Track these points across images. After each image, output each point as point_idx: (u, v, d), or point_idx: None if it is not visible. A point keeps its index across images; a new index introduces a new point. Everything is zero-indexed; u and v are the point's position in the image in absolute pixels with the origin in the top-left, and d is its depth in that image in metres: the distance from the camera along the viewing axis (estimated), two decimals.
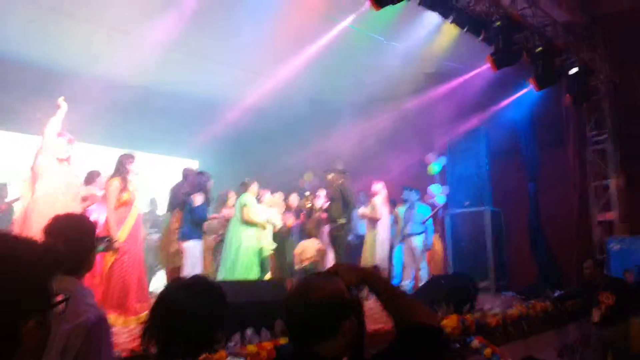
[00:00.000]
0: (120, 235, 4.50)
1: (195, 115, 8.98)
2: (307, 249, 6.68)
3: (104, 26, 6.62)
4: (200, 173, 5.78)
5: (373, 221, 7.09)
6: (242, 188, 6.43)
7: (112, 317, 4.33)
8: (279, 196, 7.22)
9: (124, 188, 4.67)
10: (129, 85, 7.83)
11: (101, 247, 2.22)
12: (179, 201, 5.83)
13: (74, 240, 1.88)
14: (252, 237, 6.18)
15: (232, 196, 6.77)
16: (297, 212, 7.52)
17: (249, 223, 6.16)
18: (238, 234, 6.13)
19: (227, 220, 6.66)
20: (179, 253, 5.60)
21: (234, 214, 6.37)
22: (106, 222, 4.52)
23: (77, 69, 7.48)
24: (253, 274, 6.04)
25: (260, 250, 6.29)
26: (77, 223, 2.00)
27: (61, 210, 3.88)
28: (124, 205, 4.66)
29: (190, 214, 5.46)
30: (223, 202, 7.02)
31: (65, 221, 2.00)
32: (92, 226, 2.06)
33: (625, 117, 7.83)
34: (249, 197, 6.30)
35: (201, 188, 5.46)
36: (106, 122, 5.42)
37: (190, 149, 9.41)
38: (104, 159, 5.16)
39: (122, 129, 4.46)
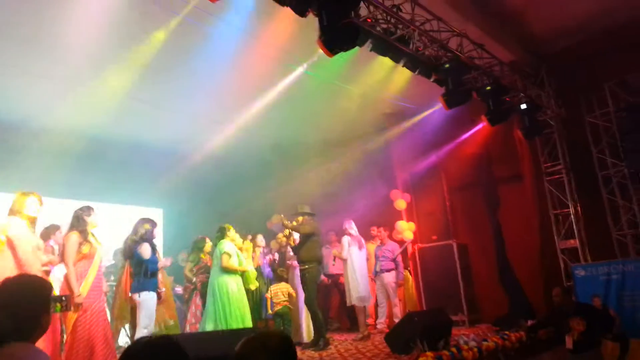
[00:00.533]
0: (82, 290, 4.36)
1: (157, 164, 8.90)
2: (279, 293, 6.62)
3: (53, 78, 6.54)
4: (144, 220, 5.46)
5: (344, 260, 7.12)
6: (220, 234, 6.32)
7: None
8: (247, 242, 7.14)
9: (83, 241, 4.55)
10: (85, 136, 7.71)
11: (57, 307, 2.10)
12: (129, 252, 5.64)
13: (25, 304, 1.79)
14: (236, 282, 6.04)
15: (208, 242, 6.66)
16: (265, 253, 7.46)
17: (229, 270, 6.03)
18: (223, 282, 5.95)
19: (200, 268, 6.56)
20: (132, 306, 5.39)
21: (213, 262, 6.23)
22: (65, 278, 4.37)
23: (29, 121, 7.37)
24: (247, 319, 5.88)
25: (246, 294, 6.16)
26: (28, 285, 1.91)
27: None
28: (85, 258, 4.53)
29: (139, 267, 5.23)
30: (199, 248, 6.87)
31: (16, 284, 1.91)
32: (45, 287, 1.96)
33: (576, 149, 8.19)
34: (227, 243, 6.18)
35: (146, 238, 5.26)
36: (63, 173, 5.29)
37: (154, 198, 9.27)
38: (61, 212, 4.97)
39: (80, 181, 4.38)
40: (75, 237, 4.51)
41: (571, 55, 8.09)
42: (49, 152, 7.23)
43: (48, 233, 5.51)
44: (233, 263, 6.05)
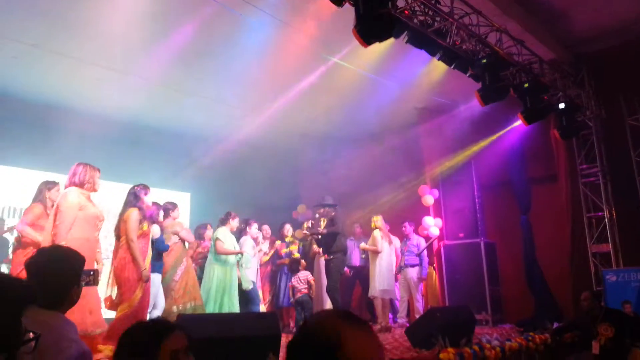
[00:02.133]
0: (147, 264, 4.56)
1: (187, 149, 9.06)
2: (300, 281, 6.69)
3: (91, 63, 6.70)
4: (154, 204, 5.58)
5: (374, 253, 7.10)
6: (223, 219, 6.43)
7: None
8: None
9: (142, 218, 4.67)
10: (119, 121, 7.91)
11: (83, 282, 2.16)
12: None
13: (55, 274, 1.85)
14: (221, 274, 6.12)
15: (209, 229, 6.76)
16: (290, 242, 7.53)
17: (221, 258, 6.14)
18: (212, 270, 6.11)
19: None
20: None
21: (210, 248, 6.38)
22: (129, 253, 4.52)
23: (66, 104, 7.60)
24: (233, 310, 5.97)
25: (232, 287, 6.21)
26: (60, 257, 1.97)
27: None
28: (143, 235, 4.65)
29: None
30: (200, 235, 6.98)
31: (48, 255, 1.97)
32: (77, 260, 2.03)
33: (614, 151, 7.94)
34: (222, 231, 6.29)
35: (154, 219, 5.30)
36: (96, 156, 5.45)
37: (182, 182, 9.45)
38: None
39: (111, 163, 4.50)
40: (136, 213, 4.60)
41: (614, 55, 7.82)
42: (85, 135, 7.45)
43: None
44: (227, 248, 6.16)
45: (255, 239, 6.99)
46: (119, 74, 6.92)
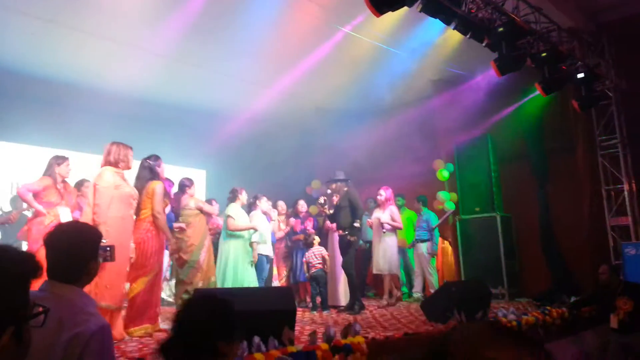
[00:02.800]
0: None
1: (201, 126, 9.05)
2: (314, 256, 6.71)
3: (105, 38, 6.65)
4: (166, 179, 5.60)
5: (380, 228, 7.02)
6: (231, 197, 6.44)
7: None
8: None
9: (165, 192, 4.74)
10: (132, 97, 7.89)
11: (101, 257, 2.17)
12: None
13: (73, 249, 1.86)
14: (239, 248, 6.16)
15: (215, 205, 6.76)
16: (304, 218, 7.53)
17: (234, 234, 6.16)
18: (226, 247, 6.15)
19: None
20: None
21: (222, 225, 6.37)
22: (156, 225, 4.57)
23: (79, 81, 7.57)
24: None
25: (249, 262, 6.26)
26: (77, 232, 1.97)
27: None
28: (165, 207, 4.75)
29: None
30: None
31: (66, 230, 1.98)
32: (95, 235, 2.03)
33: (634, 122, 7.75)
34: (233, 207, 6.29)
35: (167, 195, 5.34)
36: (109, 133, 5.44)
37: (197, 159, 9.46)
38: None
39: (125, 140, 4.50)
40: (161, 186, 4.64)
41: (635, 24, 7.56)
42: (97, 112, 7.45)
43: (80, 184, 5.68)
44: (239, 224, 6.18)
45: (266, 213, 6.99)
46: (131, 48, 6.86)
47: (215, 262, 6.00)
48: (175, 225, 5.82)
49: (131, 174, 4.66)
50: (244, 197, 6.50)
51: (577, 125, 7.96)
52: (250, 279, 6.10)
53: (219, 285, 5.75)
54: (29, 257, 1.11)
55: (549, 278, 7.76)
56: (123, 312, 4.31)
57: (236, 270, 6.05)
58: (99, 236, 2.06)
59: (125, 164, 4.40)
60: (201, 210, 5.68)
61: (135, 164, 4.74)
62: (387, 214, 6.92)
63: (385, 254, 6.80)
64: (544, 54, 6.51)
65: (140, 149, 4.74)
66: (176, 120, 9.07)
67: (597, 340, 5.81)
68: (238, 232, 6.20)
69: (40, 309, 0.97)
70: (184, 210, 5.65)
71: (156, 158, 4.80)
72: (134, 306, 4.33)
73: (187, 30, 6.23)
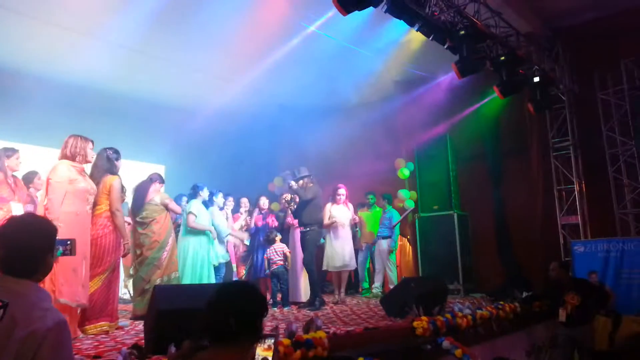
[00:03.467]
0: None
1: (161, 120, 8.85)
2: (275, 253, 6.68)
3: (59, 25, 6.41)
4: None
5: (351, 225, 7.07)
6: (192, 193, 6.36)
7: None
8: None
9: (122, 187, 4.61)
10: (89, 87, 7.64)
11: (60, 250, 2.10)
12: None
13: (27, 243, 1.79)
14: (197, 245, 6.07)
15: (184, 201, 6.67)
16: (266, 214, 7.48)
17: (193, 231, 6.09)
18: (185, 244, 6.05)
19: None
20: None
21: (182, 221, 6.30)
22: (114, 223, 4.44)
23: (31, 70, 7.27)
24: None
25: (209, 259, 6.18)
26: (32, 224, 1.91)
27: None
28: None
29: None
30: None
31: (20, 222, 1.91)
32: (50, 227, 1.97)
33: (585, 125, 8.11)
34: (194, 204, 6.22)
35: None
36: (63, 125, 5.24)
37: (156, 154, 9.25)
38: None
39: (81, 133, 4.35)
40: (119, 182, 4.49)
41: (588, 30, 7.93)
42: (51, 102, 7.14)
43: (29, 178, 5.43)
44: (199, 222, 6.11)
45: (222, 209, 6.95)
46: (87, 37, 6.63)
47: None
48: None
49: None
50: (205, 193, 6.42)
51: (531, 127, 8.27)
52: (209, 278, 6.02)
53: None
54: None
55: (502, 274, 8.05)
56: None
57: (195, 268, 5.96)
58: (55, 229, 2.00)
59: (83, 158, 4.25)
60: (166, 207, 5.54)
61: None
62: (351, 210, 6.99)
63: (351, 250, 6.89)
64: (502, 58, 6.74)
65: (97, 141, 4.59)
66: (135, 114, 8.83)
67: (547, 333, 6.08)
68: (197, 230, 6.12)
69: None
70: (148, 204, 5.46)
71: (117, 152, 4.66)
72: (90, 304, 4.21)
73: (149, 21, 6.08)
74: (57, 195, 3.97)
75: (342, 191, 6.89)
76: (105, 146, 4.67)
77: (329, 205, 6.83)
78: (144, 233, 5.34)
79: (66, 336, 1.73)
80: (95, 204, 4.38)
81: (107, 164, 4.53)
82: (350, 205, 7.04)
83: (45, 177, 4.16)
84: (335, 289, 7.09)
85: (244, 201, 7.79)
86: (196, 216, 6.12)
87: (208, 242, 6.24)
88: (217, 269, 6.45)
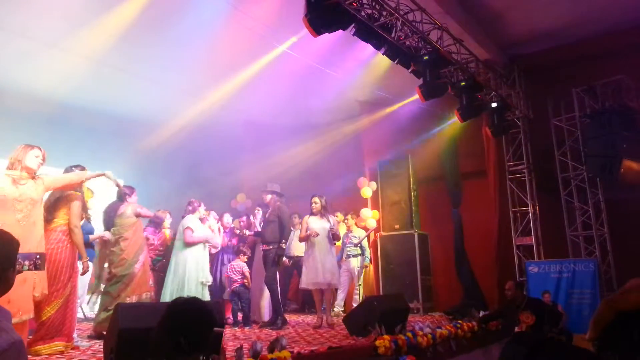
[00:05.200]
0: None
1: (124, 133, 8.67)
2: (235, 271, 6.61)
3: (24, 36, 6.25)
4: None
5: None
6: (190, 209, 6.29)
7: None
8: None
9: (85, 205, 4.42)
10: (51, 99, 7.43)
11: (25, 266, 2.01)
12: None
13: None
14: (195, 261, 6.03)
15: (167, 217, 6.56)
16: (231, 232, 7.39)
17: (191, 245, 6.03)
18: (184, 259, 5.97)
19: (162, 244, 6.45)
20: None
21: (177, 236, 6.19)
22: (73, 240, 4.25)
23: None
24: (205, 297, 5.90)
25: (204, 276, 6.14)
26: None
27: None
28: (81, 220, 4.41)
29: None
30: (159, 222, 6.71)
31: None
32: (11, 241, 1.89)
33: (539, 150, 8.48)
34: (191, 218, 6.17)
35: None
36: (25, 137, 5.04)
37: (118, 167, 9.00)
38: None
39: (42, 146, 4.19)
40: (81, 197, 4.35)
41: (543, 59, 8.35)
42: (11, 114, 6.90)
43: None
44: (197, 236, 6.07)
45: (202, 219, 6.85)
46: (52, 49, 6.47)
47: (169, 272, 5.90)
48: (93, 237, 5.45)
49: None
50: (202, 209, 6.40)
51: (489, 151, 8.57)
52: (203, 296, 5.91)
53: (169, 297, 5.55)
54: None
55: (460, 293, 8.22)
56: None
57: (190, 284, 5.88)
58: (16, 244, 1.93)
59: (19, 164, 4.04)
60: (139, 215, 5.38)
61: (51, 172, 4.43)
62: (332, 221, 6.43)
63: (332, 266, 6.27)
64: (463, 83, 7.00)
65: (58, 154, 4.46)
66: (99, 127, 8.63)
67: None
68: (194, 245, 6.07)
69: None
70: (119, 218, 5.28)
71: (83, 169, 4.52)
72: (45, 324, 4.02)
73: (117, 34, 6.00)
74: None
75: (316, 199, 6.41)
76: (65, 157, 4.56)
77: (306, 217, 6.40)
78: (112, 250, 5.20)
79: (21, 358, 1.65)
80: (51, 218, 4.23)
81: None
82: (332, 218, 6.50)
83: None
84: (317, 310, 6.36)
85: (227, 217, 7.63)
86: (193, 231, 6.06)
87: (204, 259, 6.19)
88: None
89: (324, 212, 6.37)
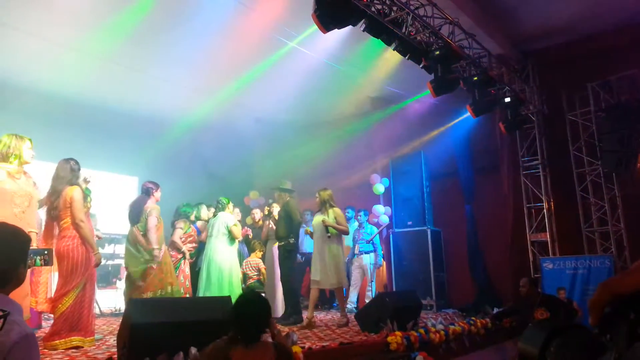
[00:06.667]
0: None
1: (136, 131, 8.75)
2: (251, 267, 6.68)
3: (37, 36, 6.34)
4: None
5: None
6: (220, 207, 6.38)
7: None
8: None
9: (85, 196, 4.40)
10: (64, 98, 7.54)
11: (38, 260, 2.04)
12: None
13: (1, 253, 1.75)
14: (235, 256, 6.26)
15: (204, 208, 6.68)
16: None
17: (234, 242, 6.25)
18: (229, 255, 6.13)
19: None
20: None
21: (214, 233, 6.20)
22: (81, 235, 4.21)
23: (8, 78, 7.12)
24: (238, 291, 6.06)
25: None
26: (4, 234, 1.86)
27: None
28: (87, 215, 4.39)
29: None
30: (187, 216, 6.71)
31: None
32: (23, 237, 1.92)
33: (554, 145, 8.37)
34: (230, 216, 6.33)
35: None
36: (38, 134, 5.11)
37: (130, 165, 9.12)
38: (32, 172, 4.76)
39: (54, 143, 4.22)
40: (79, 191, 4.27)
41: (558, 54, 8.23)
42: (26, 112, 7.01)
43: None
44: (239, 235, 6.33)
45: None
46: (63, 48, 6.55)
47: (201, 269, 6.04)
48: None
49: (41, 178, 4.38)
50: (231, 207, 6.54)
51: (502, 146, 8.49)
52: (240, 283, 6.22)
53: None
54: None
55: (473, 290, 8.16)
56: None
57: (231, 278, 6.07)
58: (28, 239, 1.95)
59: (17, 158, 4.06)
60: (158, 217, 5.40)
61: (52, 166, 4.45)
62: (332, 216, 5.96)
63: (324, 265, 5.85)
64: (475, 78, 6.92)
65: (69, 152, 4.48)
66: (109, 125, 8.71)
67: (517, 349, 6.16)
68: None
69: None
70: (144, 213, 5.29)
71: (77, 162, 4.46)
72: (61, 318, 4.06)
73: (126, 33, 6.06)
74: None
75: (317, 194, 6.15)
76: (77, 156, 4.54)
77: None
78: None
79: (33, 351, 1.67)
80: (60, 218, 4.23)
81: (69, 175, 4.34)
82: (331, 212, 5.98)
83: None
84: (309, 309, 5.93)
85: (236, 211, 7.66)
86: (237, 226, 6.27)
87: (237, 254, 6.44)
88: None
89: (323, 206, 6.04)
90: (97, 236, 6.15)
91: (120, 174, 9.07)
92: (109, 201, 6.47)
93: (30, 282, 4.53)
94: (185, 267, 6.20)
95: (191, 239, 6.57)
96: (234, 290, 5.86)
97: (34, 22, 6.08)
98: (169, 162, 9.39)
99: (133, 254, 5.25)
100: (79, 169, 4.46)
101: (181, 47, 6.64)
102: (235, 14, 6.12)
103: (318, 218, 6.06)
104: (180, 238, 6.32)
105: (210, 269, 6.01)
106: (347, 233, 6.19)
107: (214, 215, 6.44)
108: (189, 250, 6.39)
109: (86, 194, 4.64)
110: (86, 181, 5.02)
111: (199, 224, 6.86)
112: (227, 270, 6.00)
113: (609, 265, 7.10)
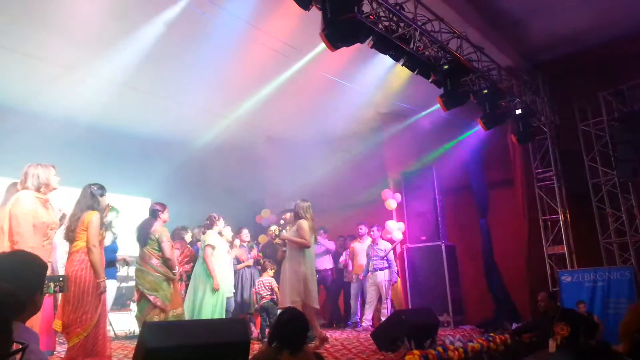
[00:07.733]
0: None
1: (148, 152, 8.83)
2: (263, 287, 6.62)
3: (52, 62, 6.47)
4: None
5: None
6: (208, 224, 6.30)
7: None
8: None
9: (102, 224, 4.33)
10: (79, 122, 7.63)
11: (51, 287, 2.05)
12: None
13: (17, 281, 1.75)
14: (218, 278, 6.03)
15: (188, 232, 6.62)
16: (249, 247, 7.42)
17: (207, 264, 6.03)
18: (204, 277, 5.99)
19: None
20: None
21: (200, 252, 6.20)
22: (90, 261, 4.16)
23: (24, 104, 7.26)
24: (218, 313, 5.91)
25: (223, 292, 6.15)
26: (22, 262, 1.87)
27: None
28: (101, 241, 4.33)
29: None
30: (181, 237, 6.75)
31: (9, 261, 1.87)
32: (40, 265, 1.92)
33: (568, 156, 8.28)
34: (213, 235, 6.17)
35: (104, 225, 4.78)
36: (54, 159, 5.18)
37: (142, 186, 9.17)
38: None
39: (70, 167, 4.26)
40: (97, 217, 4.22)
41: (568, 64, 8.20)
42: (42, 137, 7.11)
43: None
44: (212, 260, 6.02)
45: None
46: (78, 74, 6.67)
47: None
48: (120, 256, 5.50)
49: (56, 201, 4.39)
50: (221, 224, 6.36)
51: (515, 158, 8.41)
52: (221, 313, 5.99)
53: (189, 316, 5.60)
54: (12, 293, 1.04)
55: (491, 305, 8.02)
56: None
57: (209, 302, 5.95)
58: (45, 266, 1.96)
59: (47, 187, 4.10)
60: (160, 243, 5.33)
61: (78, 193, 4.47)
62: (293, 228, 5.80)
63: (284, 281, 5.64)
64: (485, 91, 6.91)
65: (84, 175, 4.51)
66: (123, 147, 8.80)
67: None
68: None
69: (18, 345, 0.91)
70: (151, 234, 5.24)
71: (102, 187, 4.49)
72: (77, 344, 4.01)
73: (140, 57, 6.15)
74: (25, 228, 3.84)
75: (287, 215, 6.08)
76: (91, 179, 4.57)
77: None
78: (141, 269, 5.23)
79: None
80: (73, 240, 4.21)
81: (90, 201, 4.32)
82: (298, 223, 5.67)
83: (7, 209, 3.98)
84: None
85: (245, 232, 7.63)
86: (214, 247, 6.06)
87: (228, 272, 6.29)
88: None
89: (295, 218, 5.74)
90: (124, 259, 6.20)
91: (134, 195, 9.12)
92: (121, 223, 6.49)
93: None
94: (181, 289, 6.19)
95: (187, 259, 6.58)
96: (201, 313, 5.76)
97: (44, 47, 6.19)
98: (182, 182, 9.45)
99: (146, 274, 5.21)
100: (102, 195, 4.42)
101: (192, 69, 6.72)
102: (245, 35, 6.19)
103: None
104: (177, 259, 6.29)
105: (192, 291, 6.00)
106: (306, 246, 5.58)
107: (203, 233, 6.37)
108: (185, 272, 6.41)
109: (115, 212, 4.63)
110: (109, 206, 5.02)
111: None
112: (200, 294, 5.90)
113: (629, 277, 6.95)
